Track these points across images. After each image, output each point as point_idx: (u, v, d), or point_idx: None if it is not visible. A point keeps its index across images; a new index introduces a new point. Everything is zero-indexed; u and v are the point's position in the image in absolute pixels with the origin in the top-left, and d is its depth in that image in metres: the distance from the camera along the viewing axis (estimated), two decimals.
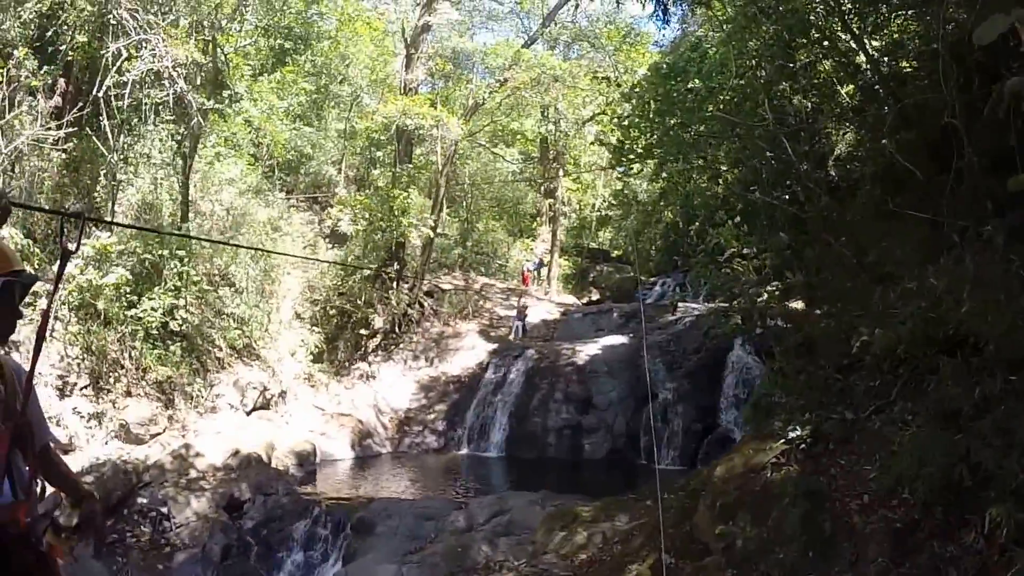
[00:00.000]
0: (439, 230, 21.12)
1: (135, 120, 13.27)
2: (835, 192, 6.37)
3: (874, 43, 7.08)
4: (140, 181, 13.74)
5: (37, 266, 10.72)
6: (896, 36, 7.08)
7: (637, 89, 9.91)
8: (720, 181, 8.80)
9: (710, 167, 8.81)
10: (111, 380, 11.79)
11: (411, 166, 19.83)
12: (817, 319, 6.59)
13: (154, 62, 11.89)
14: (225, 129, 15.66)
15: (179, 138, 13.86)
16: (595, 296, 26.72)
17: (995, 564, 3.96)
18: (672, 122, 8.99)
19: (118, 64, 11.79)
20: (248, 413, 13.89)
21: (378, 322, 18.69)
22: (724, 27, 7.77)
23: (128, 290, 12.22)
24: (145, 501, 10.02)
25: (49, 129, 11.43)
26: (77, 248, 2.90)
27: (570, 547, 8.07)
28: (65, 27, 12.76)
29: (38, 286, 10.41)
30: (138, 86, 12.55)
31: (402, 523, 9.65)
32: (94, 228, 11.92)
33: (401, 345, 18.71)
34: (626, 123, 10.31)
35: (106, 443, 11.08)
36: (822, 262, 6.30)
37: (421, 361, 18.32)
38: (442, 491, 12.47)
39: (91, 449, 10.68)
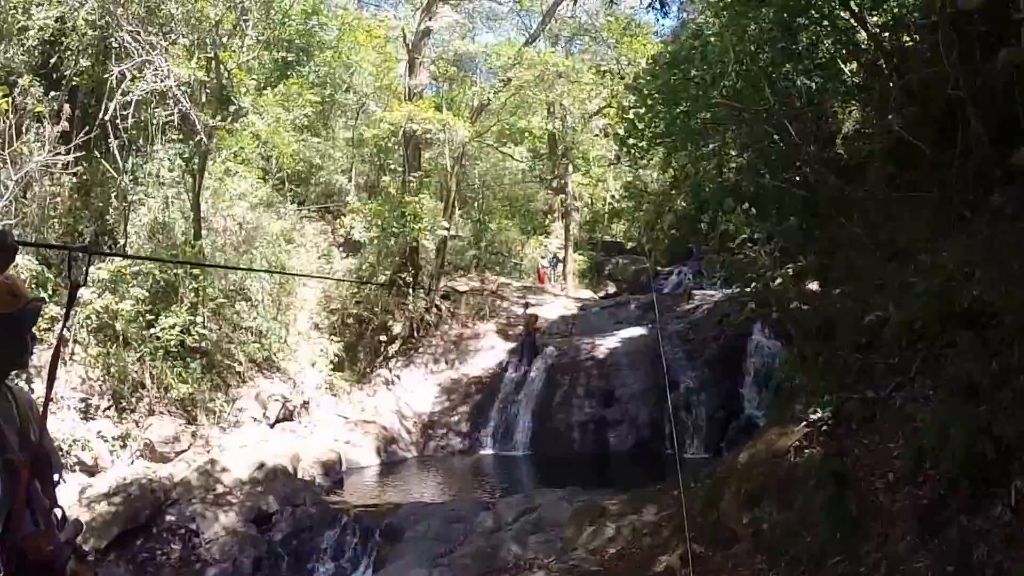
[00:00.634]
0: (452, 232, 21.13)
1: (142, 140, 13.38)
2: (844, 171, 6.32)
3: (874, 19, 7.01)
4: (151, 201, 13.85)
5: (52, 292, 10.83)
6: (896, 11, 7.02)
7: (640, 81, 9.89)
8: (729, 167, 8.77)
9: (718, 154, 8.77)
10: (133, 400, 11.91)
11: (420, 173, 19.86)
12: (833, 299, 6.55)
13: (158, 82, 11.99)
14: (233, 144, 15.73)
15: (187, 156, 13.96)
16: (612, 289, 26.63)
17: None
18: (678, 111, 8.96)
19: (122, 86, 11.90)
20: (271, 426, 13.97)
21: (396, 328, 18.73)
22: (722, 14, 7.73)
23: (145, 310, 12.33)
24: (174, 519, 10.07)
25: (58, 154, 11.50)
26: (84, 282, 2.94)
27: (599, 542, 8.07)
28: (68, 52, 12.89)
29: (56, 311, 10.60)
30: (143, 107, 12.66)
31: (431, 527, 9.65)
32: (109, 249, 12.04)
33: (421, 349, 18.72)
34: (631, 115, 10.29)
35: (132, 463, 11.18)
36: (834, 242, 6.26)
37: (442, 364, 18.33)
38: (469, 492, 12.49)
39: (117, 470, 10.78)
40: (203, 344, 13.30)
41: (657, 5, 8.27)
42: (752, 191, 7.59)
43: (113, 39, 12.47)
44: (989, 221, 4.51)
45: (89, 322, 11.70)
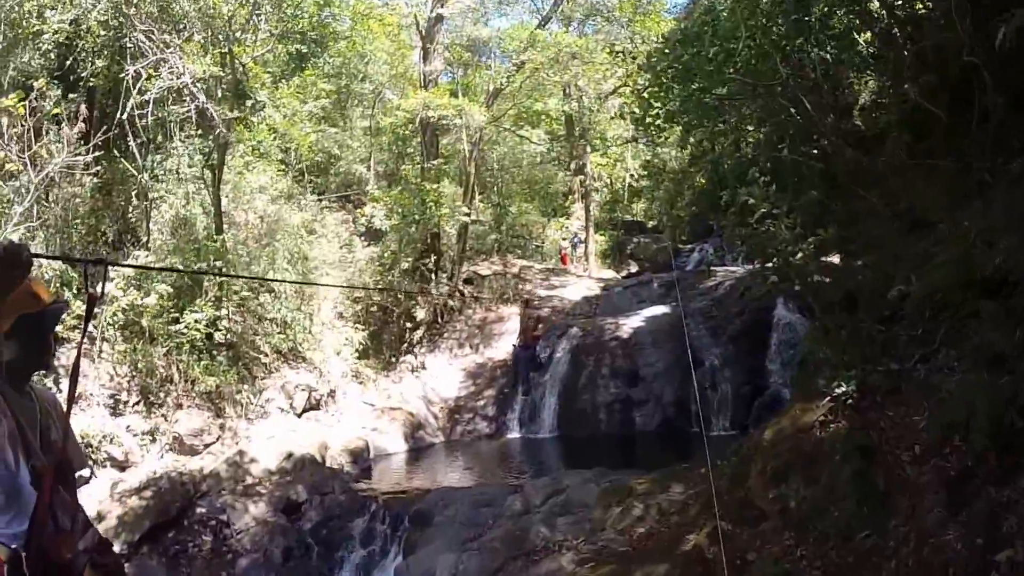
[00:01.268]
0: (473, 217, 21.14)
1: (161, 138, 13.51)
2: (862, 143, 6.22)
3: None
4: (172, 197, 14.01)
5: (77, 291, 10.98)
6: None
7: (653, 59, 9.79)
8: (746, 142, 8.67)
9: (735, 129, 8.68)
10: (161, 395, 12.10)
11: (439, 160, 19.87)
12: (854, 272, 6.48)
13: (174, 80, 12.08)
14: (251, 138, 15.85)
15: (206, 151, 14.08)
16: (634, 268, 26.55)
17: None
18: (692, 88, 8.87)
19: (139, 85, 12.01)
20: (298, 415, 14.14)
21: (420, 314, 18.85)
22: None
23: (170, 305, 12.51)
24: (204, 510, 10.22)
25: (77, 155, 11.68)
26: (102, 294, 3.09)
27: (627, 522, 8.08)
28: (84, 54, 13.04)
29: (82, 309, 10.72)
30: (160, 104, 12.78)
31: (459, 512, 9.68)
32: (132, 246, 12.21)
33: (445, 334, 18.83)
34: (646, 94, 10.21)
35: (161, 457, 11.39)
36: (854, 214, 6.18)
37: (466, 348, 18.42)
38: (497, 476, 12.54)
39: (147, 464, 10.98)
40: (228, 337, 13.47)
41: None
42: (770, 165, 7.49)
43: (127, 39, 12.61)
44: (1009, 187, 4.42)
45: (116, 319, 11.88)
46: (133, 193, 13.56)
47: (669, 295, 17.70)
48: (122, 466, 10.74)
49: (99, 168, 12.73)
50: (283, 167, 17.99)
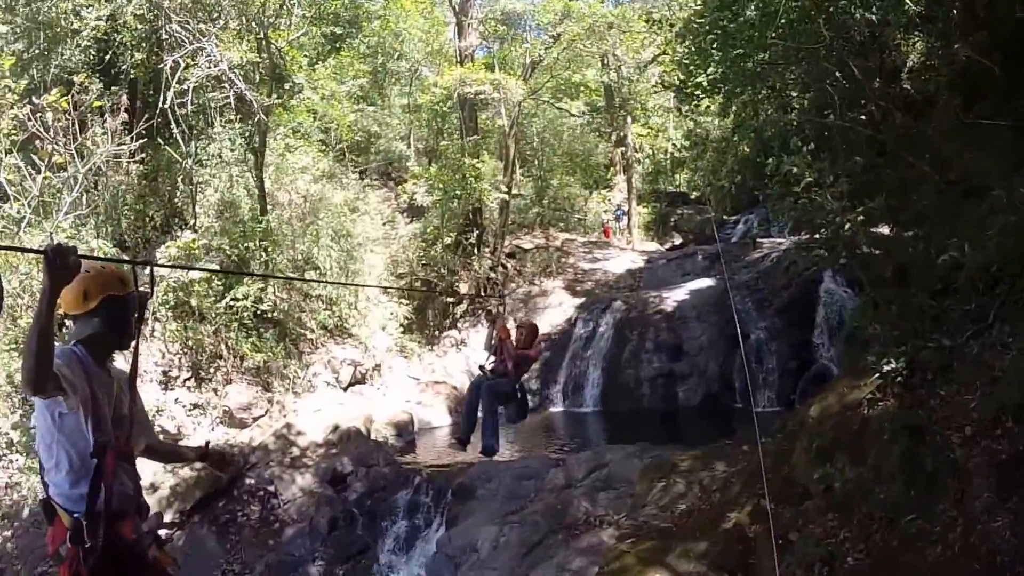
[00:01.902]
0: (514, 191, 21.04)
1: (202, 124, 13.72)
2: (911, 107, 5.93)
3: None
4: (216, 181, 14.25)
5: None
6: None
7: (692, 25, 9.51)
8: (791, 108, 8.38)
9: (778, 96, 8.39)
10: (211, 370, 12.45)
11: (478, 136, 19.77)
12: (905, 243, 6.23)
13: (211, 67, 12.26)
14: (291, 120, 16.01)
15: (247, 135, 14.26)
16: (678, 240, 26.18)
17: None
18: (733, 54, 8.59)
19: (177, 75, 12.22)
20: (344, 389, 14.35)
21: (463, 288, 18.89)
22: None
23: (218, 283, 12.75)
24: (253, 482, 10.51)
25: (122, 144, 12.03)
26: (152, 294, 3.39)
27: (669, 498, 8.02)
28: (122, 48, 13.44)
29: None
30: (200, 92, 13.01)
31: (502, 485, 9.76)
32: (179, 229, 12.47)
33: (489, 309, 18.87)
34: (686, 61, 9.94)
35: (211, 430, 11.76)
36: (904, 182, 5.92)
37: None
38: (539, 450, 12.57)
39: (197, 437, 11.29)
40: (275, 314, 13.71)
41: None
42: (815, 132, 7.23)
43: (163, 31, 12.86)
44: None
45: (166, 299, 12.18)
46: (178, 178, 13.91)
47: (713, 267, 17.43)
48: (174, 439, 11.08)
49: (144, 156, 13.16)
50: (324, 147, 18.14)
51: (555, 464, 9.99)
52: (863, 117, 6.53)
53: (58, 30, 13.26)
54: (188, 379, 12.18)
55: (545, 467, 9.98)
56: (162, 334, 12.17)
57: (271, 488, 10.44)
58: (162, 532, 3.30)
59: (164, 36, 13.09)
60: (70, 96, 11.10)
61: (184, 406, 11.68)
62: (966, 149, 5.45)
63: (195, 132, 14.05)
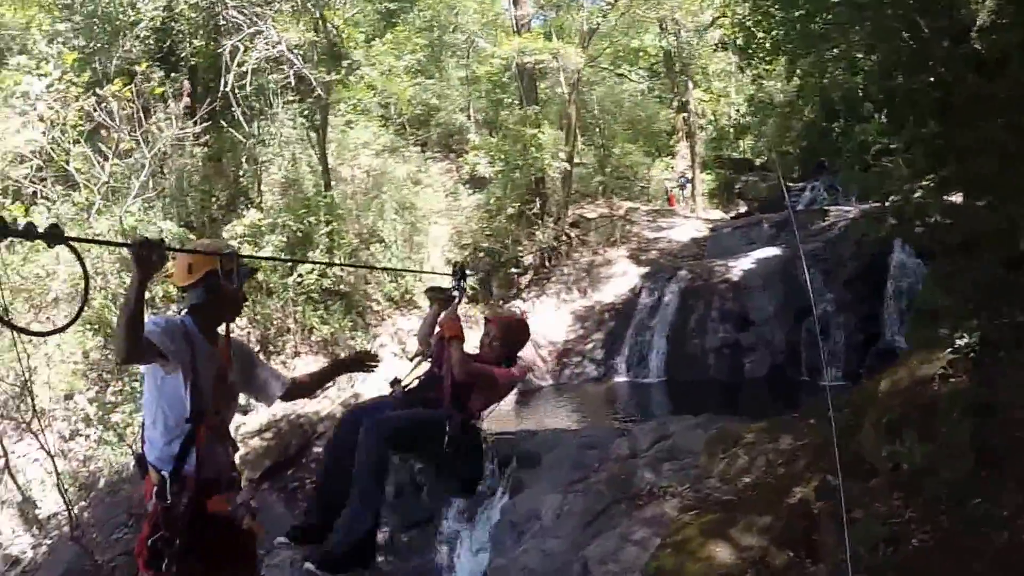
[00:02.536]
0: (576, 160, 20.92)
1: (263, 105, 14.07)
2: (982, 67, 5.64)
3: None
4: (280, 159, 14.64)
5: None
6: None
7: None
8: (859, 70, 8.07)
9: (844, 57, 8.09)
10: (280, 343, 12.90)
11: (536, 107, 19.67)
12: (978, 212, 5.96)
13: (270, 49, 12.55)
14: (350, 97, 16.26)
15: (308, 113, 14.58)
16: (743, 208, 25.65)
17: None
18: (796, 15, 8.31)
19: (237, 58, 12.54)
20: (411, 359, 14.58)
21: (527, 259, 18.97)
22: None
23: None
24: (320, 450, 10.83)
25: (185, 128, 12.56)
26: (241, 288, 3.59)
27: (733, 470, 7.94)
28: (180, 36, 13.98)
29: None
30: (259, 73, 13.35)
31: (566, 454, 9.75)
32: (245, 208, 12.86)
33: (553, 279, 18.91)
34: (747, 23, 9.66)
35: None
36: (977, 148, 5.65)
37: (574, 292, 18.42)
38: (604, 420, 12.62)
39: (267, 408, 11.70)
40: (341, 287, 14.05)
41: None
42: (883, 96, 6.94)
43: (220, 16, 13.23)
44: None
45: None
46: (242, 159, 14.33)
47: (780, 236, 17.03)
48: (244, 410, 11.49)
49: (207, 138, 13.62)
50: (384, 122, 18.41)
51: (619, 434, 9.92)
52: (931, 79, 6.23)
53: (117, 23, 13.76)
54: (257, 352, 12.56)
55: (609, 437, 9.91)
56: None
57: None
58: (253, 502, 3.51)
59: (221, 22, 13.54)
60: (133, 85, 11.57)
61: None
62: None
63: (256, 113, 14.41)
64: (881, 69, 7.01)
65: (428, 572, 9.62)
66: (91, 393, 10.63)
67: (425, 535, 9.74)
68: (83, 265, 2.50)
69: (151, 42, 14.13)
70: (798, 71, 9.52)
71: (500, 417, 13.58)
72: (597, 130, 25.91)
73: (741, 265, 15.83)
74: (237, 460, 3.60)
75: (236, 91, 13.12)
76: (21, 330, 2.16)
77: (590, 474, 9.09)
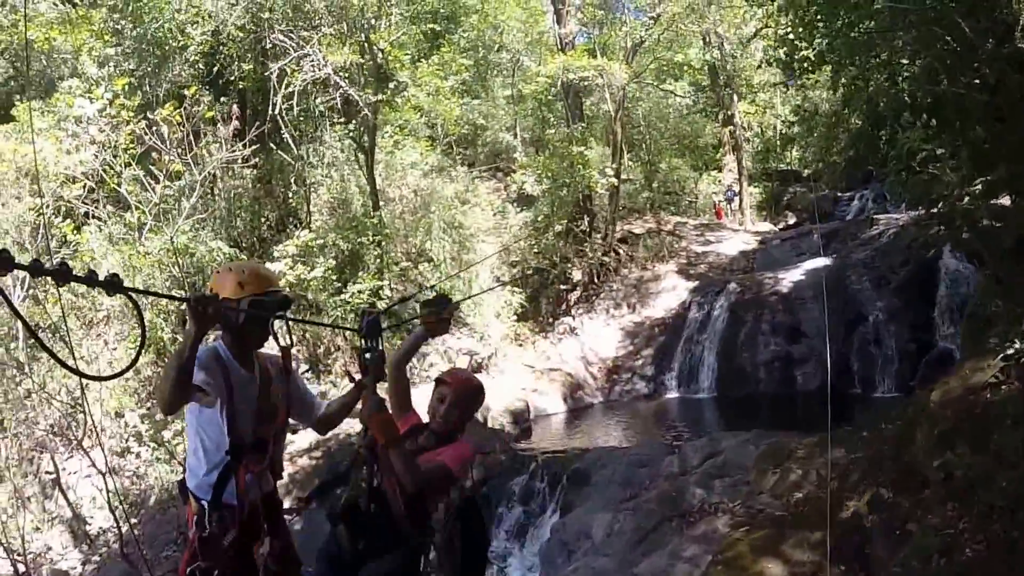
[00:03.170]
0: (623, 176, 20.91)
1: (311, 126, 14.37)
2: None
3: None
4: (328, 180, 14.93)
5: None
6: None
7: None
8: (904, 76, 7.96)
9: (888, 64, 7.99)
10: (329, 362, 13.05)
11: (582, 124, 19.76)
12: None
13: (316, 72, 12.84)
14: (397, 118, 16.53)
15: (355, 135, 14.86)
16: (791, 220, 25.31)
17: None
18: (839, 24, 8.24)
19: (285, 81, 12.86)
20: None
21: (576, 275, 19.01)
22: None
23: (333, 278, 13.37)
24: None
25: (235, 151, 12.83)
26: (292, 345, 3.59)
27: (784, 486, 7.85)
28: (228, 60, 14.23)
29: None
30: (307, 96, 13.63)
31: (616, 471, 9.75)
32: (294, 227, 13.12)
33: (602, 295, 18.87)
34: (790, 35, 9.60)
35: None
36: None
37: (623, 308, 18.35)
38: (654, 437, 12.52)
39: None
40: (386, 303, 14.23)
41: None
42: (929, 102, 6.85)
43: (267, 40, 13.54)
44: None
45: None
46: (291, 180, 14.62)
47: (829, 247, 16.76)
48: (294, 429, 11.71)
49: (257, 160, 13.90)
50: (431, 142, 18.60)
51: (670, 451, 9.90)
52: (976, 82, 6.14)
53: (166, 48, 14.17)
54: (306, 371, 12.76)
55: (660, 454, 9.90)
56: (279, 330, 12.88)
57: None
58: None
59: (268, 45, 13.82)
60: (182, 109, 11.87)
61: None
62: None
63: (305, 135, 14.73)
64: (926, 74, 6.92)
65: None
66: (142, 410, 10.85)
67: None
68: (140, 315, 2.51)
69: (200, 66, 14.47)
70: (843, 80, 9.42)
71: (551, 436, 13.64)
72: (643, 145, 25.88)
73: (791, 277, 15.64)
74: (285, 478, 3.62)
75: (284, 114, 13.45)
76: (85, 375, 2.14)
77: (640, 492, 9.07)
